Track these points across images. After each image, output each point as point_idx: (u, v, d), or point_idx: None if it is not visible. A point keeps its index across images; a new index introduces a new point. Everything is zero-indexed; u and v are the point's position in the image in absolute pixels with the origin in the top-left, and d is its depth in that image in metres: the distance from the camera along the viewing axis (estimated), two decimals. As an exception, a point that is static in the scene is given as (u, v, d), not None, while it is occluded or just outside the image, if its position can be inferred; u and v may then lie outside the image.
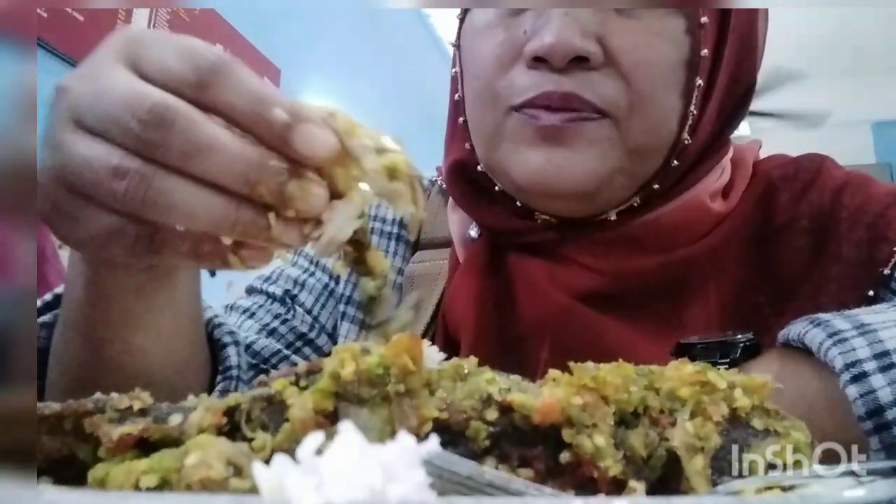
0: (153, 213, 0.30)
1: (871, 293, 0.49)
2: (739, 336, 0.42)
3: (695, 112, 0.50)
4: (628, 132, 0.49)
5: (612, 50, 0.48)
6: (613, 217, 0.53)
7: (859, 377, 0.34)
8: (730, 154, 0.58)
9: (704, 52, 0.49)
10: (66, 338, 0.43)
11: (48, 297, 0.48)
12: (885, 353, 0.35)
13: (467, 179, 0.57)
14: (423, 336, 0.57)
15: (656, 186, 0.52)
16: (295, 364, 0.58)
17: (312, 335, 0.61)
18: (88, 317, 0.41)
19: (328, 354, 0.70)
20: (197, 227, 0.31)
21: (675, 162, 0.51)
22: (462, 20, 0.55)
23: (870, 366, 0.34)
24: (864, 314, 0.38)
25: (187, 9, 2.42)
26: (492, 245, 0.56)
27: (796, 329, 0.39)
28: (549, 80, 0.48)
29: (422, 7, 4.25)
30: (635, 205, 0.53)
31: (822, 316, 0.39)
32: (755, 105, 0.59)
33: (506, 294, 0.53)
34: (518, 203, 0.54)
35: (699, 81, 0.50)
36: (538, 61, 0.48)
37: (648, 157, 0.51)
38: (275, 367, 0.57)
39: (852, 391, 0.34)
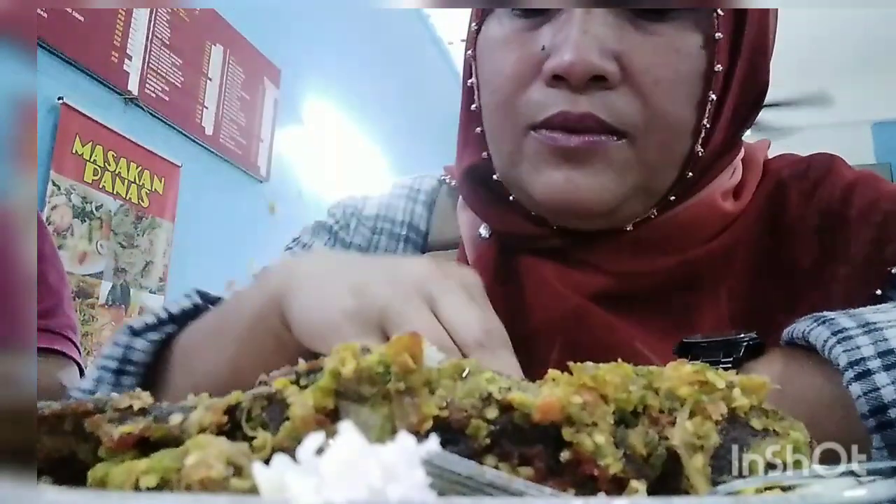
0: None
1: (878, 292, 0.49)
2: (742, 335, 0.42)
3: (707, 125, 0.50)
4: (644, 150, 0.49)
5: (630, 68, 0.48)
6: (630, 228, 0.53)
7: (863, 375, 0.34)
8: (741, 154, 0.58)
9: (718, 67, 0.49)
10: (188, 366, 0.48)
11: (162, 314, 0.51)
12: (890, 352, 0.35)
13: (482, 185, 0.57)
14: None
15: (672, 198, 0.53)
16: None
17: None
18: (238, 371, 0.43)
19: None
20: None
21: (690, 174, 0.52)
22: (477, 32, 0.55)
23: (874, 364, 0.34)
24: (870, 313, 0.38)
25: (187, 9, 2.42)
26: (502, 245, 0.56)
27: (801, 327, 0.39)
28: (566, 100, 0.48)
29: (422, 7, 4.25)
30: (652, 217, 0.53)
31: (827, 314, 0.39)
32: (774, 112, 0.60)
33: (515, 294, 0.54)
34: (532, 212, 0.54)
35: (712, 96, 0.50)
36: (557, 79, 0.48)
37: (664, 173, 0.51)
38: None
39: (856, 389, 0.34)
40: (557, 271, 0.53)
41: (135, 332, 0.50)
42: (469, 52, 0.56)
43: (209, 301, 0.53)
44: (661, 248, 0.53)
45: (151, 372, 0.50)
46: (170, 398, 0.46)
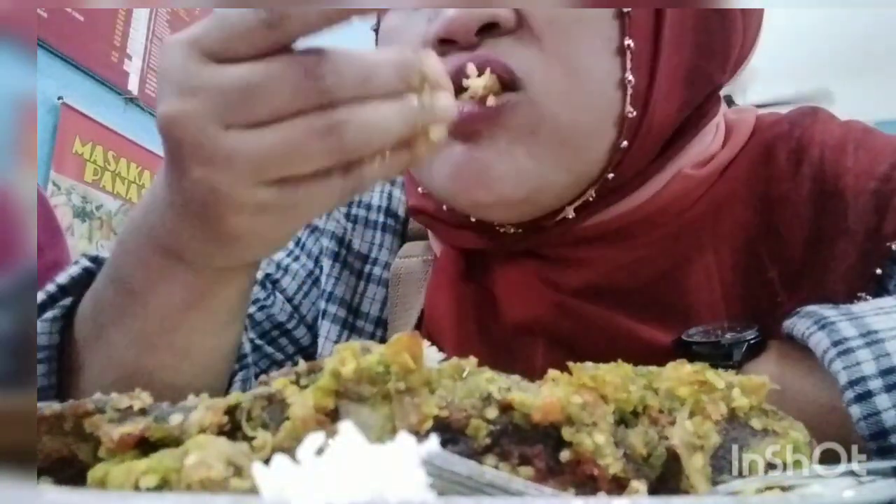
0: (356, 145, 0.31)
1: (878, 271, 0.45)
2: (745, 333, 0.41)
3: (631, 79, 0.43)
4: (554, 108, 0.43)
5: (525, 12, 0.42)
6: (572, 215, 0.47)
7: (863, 396, 0.33)
8: (717, 119, 0.51)
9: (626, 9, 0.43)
10: (100, 338, 0.42)
11: (51, 288, 0.46)
12: (891, 370, 0.33)
13: (430, 217, 0.53)
14: None
15: (611, 175, 0.45)
16: (267, 355, 0.56)
17: (290, 326, 0.57)
18: (149, 316, 0.40)
19: (306, 348, 0.62)
20: (390, 139, 0.32)
21: (625, 142, 0.44)
22: (377, 32, 0.50)
23: (875, 384, 0.33)
24: (872, 315, 0.36)
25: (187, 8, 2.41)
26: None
27: (800, 327, 0.37)
28: (457, 59, 0.42)
29: (423, 7, 4.24)
30: (590, 199, 0.46)
31: (828, 315, 0.36)
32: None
33: (488, 295, 0.50)
34: (472, 219, 0.49)
35: (628, 41, 0.43)
36: (445, 44, 0.42)
37: (588, 138, 0.44)
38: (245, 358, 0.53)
39: (855, 411, 0.33)
40: (530, 269, 0.49)
41: None
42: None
43: (100, 263, 0.46)
44: (637, 234, 0.48)
45: (65, 352, 0.44)
46: (89, 374, 0.42)
